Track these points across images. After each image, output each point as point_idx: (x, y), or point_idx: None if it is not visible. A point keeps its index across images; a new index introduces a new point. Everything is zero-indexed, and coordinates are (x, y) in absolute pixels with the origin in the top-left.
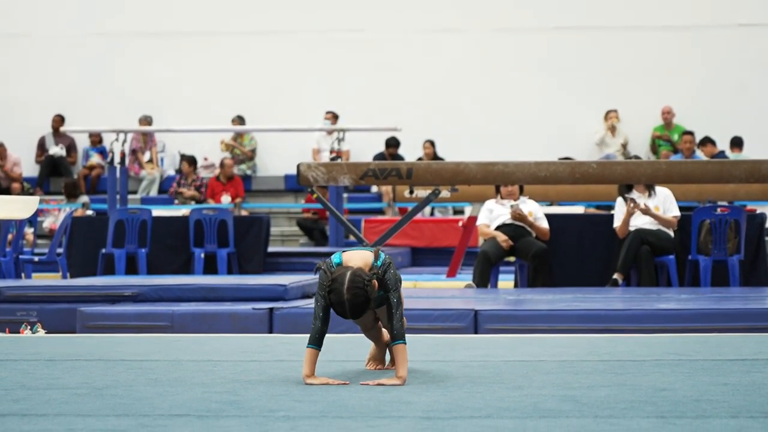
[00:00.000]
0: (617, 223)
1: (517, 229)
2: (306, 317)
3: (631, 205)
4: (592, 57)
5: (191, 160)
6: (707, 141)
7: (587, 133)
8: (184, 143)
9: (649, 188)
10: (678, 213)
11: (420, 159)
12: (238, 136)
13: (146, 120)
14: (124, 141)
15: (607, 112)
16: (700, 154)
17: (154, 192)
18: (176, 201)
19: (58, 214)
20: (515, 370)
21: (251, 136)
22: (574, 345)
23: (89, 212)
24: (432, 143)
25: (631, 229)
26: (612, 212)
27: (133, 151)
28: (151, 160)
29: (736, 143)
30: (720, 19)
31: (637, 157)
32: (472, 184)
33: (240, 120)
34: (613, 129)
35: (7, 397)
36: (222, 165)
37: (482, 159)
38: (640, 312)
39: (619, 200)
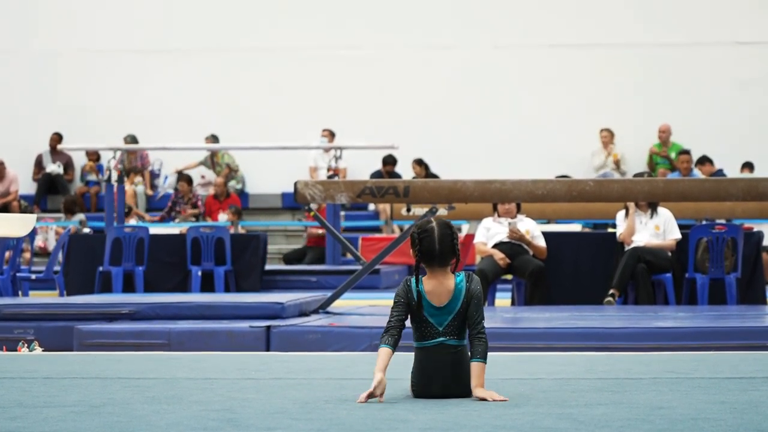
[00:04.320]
0: (620, 231)
1: (514, 247)
2: (303, 335)
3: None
4: (589, 75)
5: (189, 180)
6: (705, 160)
7: (584, 152)
8: (182, 162)
9: (652, 208)
10: (678, 235)
11: (414, 178)
12: (213, 154)
13: (128, 140)
14: (112, 158)
15: (600, 131)
16: (698, 173)
17: (141, 205)
18: (177, 220)
19: (47, 233)
20: (512, 388)
21: (222, 153)
22: (571, 363)
23: (86, 230)
24: (419, 162)
25: (630, 246)
26: (609, 230)
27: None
28: (139, 173)
29: (748, 165)
30: (718, 37)
31: (650, 174)
32: (470, 202)
33: (213, 138)
34: (607, 146)
35: (4, 415)
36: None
37: (479, 177)
38: (637, 330)
39: (620, 214)
